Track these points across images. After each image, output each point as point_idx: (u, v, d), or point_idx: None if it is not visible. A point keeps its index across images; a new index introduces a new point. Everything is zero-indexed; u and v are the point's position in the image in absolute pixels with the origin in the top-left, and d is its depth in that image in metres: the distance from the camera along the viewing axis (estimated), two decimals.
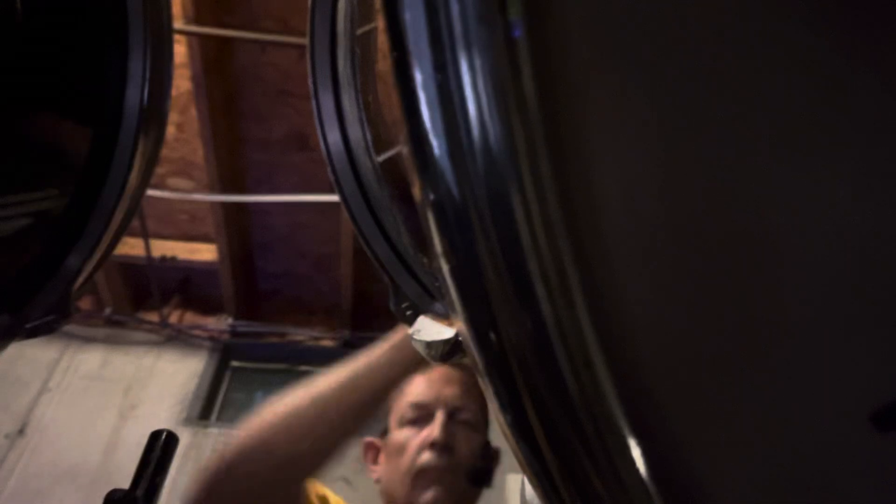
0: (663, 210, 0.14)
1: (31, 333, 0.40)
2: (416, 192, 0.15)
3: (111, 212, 0.41)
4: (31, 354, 2.63)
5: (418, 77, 0.14)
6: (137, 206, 0.44)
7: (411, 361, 0.79)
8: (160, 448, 0.43)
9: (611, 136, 0.14)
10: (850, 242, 0.15)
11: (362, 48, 0.41)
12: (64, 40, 0.43)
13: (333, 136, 0.42)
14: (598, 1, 0.14)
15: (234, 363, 3.00)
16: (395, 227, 0.41)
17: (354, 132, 0.42)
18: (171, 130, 2.49)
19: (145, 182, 0.44)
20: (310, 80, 0.42)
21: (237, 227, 2.79)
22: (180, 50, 2.14)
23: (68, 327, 2.58)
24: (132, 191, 0.42)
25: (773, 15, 0.14)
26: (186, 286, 3.07)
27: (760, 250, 0.15)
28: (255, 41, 2.28)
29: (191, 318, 3.05)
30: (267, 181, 2.70)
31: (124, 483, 0.42)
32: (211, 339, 2.98)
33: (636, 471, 0.14)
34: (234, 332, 3.00)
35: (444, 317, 0.35)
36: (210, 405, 2.79)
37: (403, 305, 0.40)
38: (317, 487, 0.89)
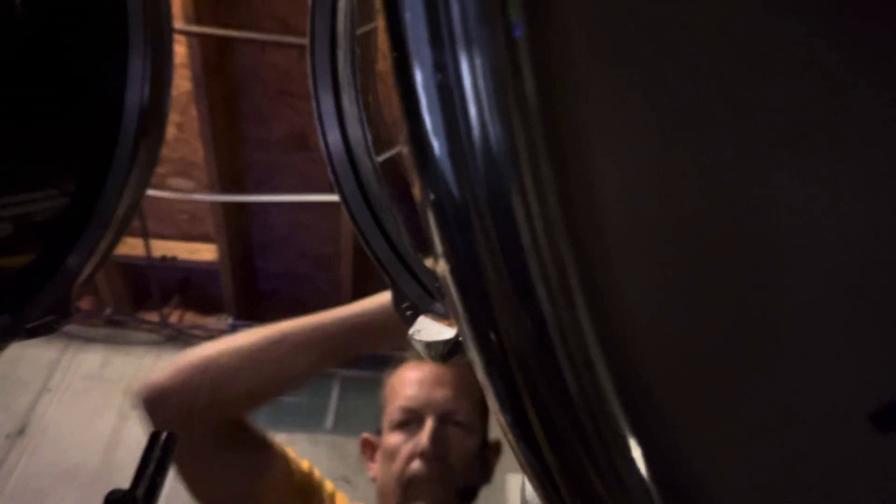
0: (663, 210, 0.14)
1: (31, 333, 0.40)
2: (416, 192, 0.15)
3: (111, 212, 0.41)
4: (31, 354, 2.63)
5: (418, 77, 0.14)
6: (137, 206, 0.44)
7: (380, 321, 0.79)
8: (160, 448, 0.43)
9: (611, 136, 0.14)
10: (850, 242, 0.15)
11: (362, 48, 0.41)
12: (64, 40, 0.43)
13: (333, 136, 0.42)
14: (598, 1, 0.14)
15: None
16: (395, 227, 0.41)
17: (354, 132, 0.42)
18: (171, 130, 2.49)
19: (145, 182, 0.44)
20: (310, 80, 0.42)
21: (237, 227, 2.79)
22: (180, 50, 2.14)
23: (68, 327, 2.58)
24: (132, 191, 0.42)
25: (772, 15, 0.14)
26: (186, 286, 3.07)
27: (760, 250, 0.15)
28: (255, 41, 2.28)
29: (191, 318, 3.05)
30: (267, 181, 2.70)
31: (124, 483, 0.42)
32: (211, 339, 2.98)
33: (636, 471, 0.14)
34: (234, 332, 3.00)
35: (444, 317, 0.35)
36: None
37: (403, 305, 0.40)
38: (327, 485, 0.90)
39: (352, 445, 2.53)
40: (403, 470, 0.88)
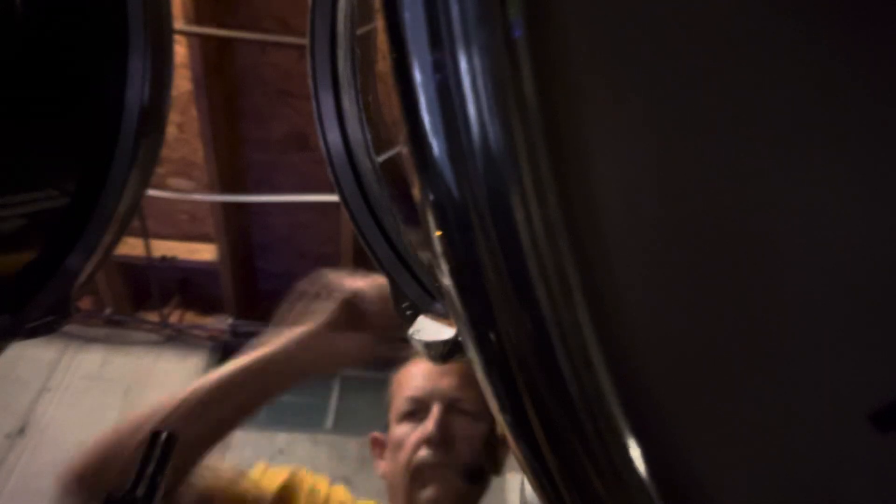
0: (663, 210, 0.14)
1: (31, 333, 0.40)
2: (416, 192, 0.15)
3: (111, 212, 0.41)
4: (31, 354, 2.63)
5: (418, 77, 0.14)
6: (137, 206, 0.44)
7: (310, 361, 0.78)
8: (160, 448, 0.43)
9: (611, 137, 0.14)
10: (849, 242, 0.15)
11: (362, 48, 0.41)
12: (64, 40, 0.43)
13: (333, 136, 0.42)
14: (598, 1, 0.14)
15: None
16: (395, 227, 0.41)
17: (354, 132, 0.42)
18: (171, 130, 2.49)
19: (145, 182, 0.44)
20: (310, 80, 0.42)
21: (237, 227, 2.79)
22: (181, 50, 2.14)
23: (68, 327, 2.58)
24: (132, 191, 0.42)
25: (772, 15, 0.14)
26: (186, 286, 3.08)
27: (760, 250, 0.15)
28: (256, 41, 2.28)
29: (191, 318, 3.05)
30: (267, 181, 2.70)
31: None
32: (211, 339, 2.98)
33: (636, 471, 0.14)
34: (234, 332, 3.00)
35: (444, 317, 0.35)
36: None
37: (403, 305, 0.40)
38: (307, 479, 0.89)
39: (352, 445, 2.53)
40: (411, 458, 0.88)
